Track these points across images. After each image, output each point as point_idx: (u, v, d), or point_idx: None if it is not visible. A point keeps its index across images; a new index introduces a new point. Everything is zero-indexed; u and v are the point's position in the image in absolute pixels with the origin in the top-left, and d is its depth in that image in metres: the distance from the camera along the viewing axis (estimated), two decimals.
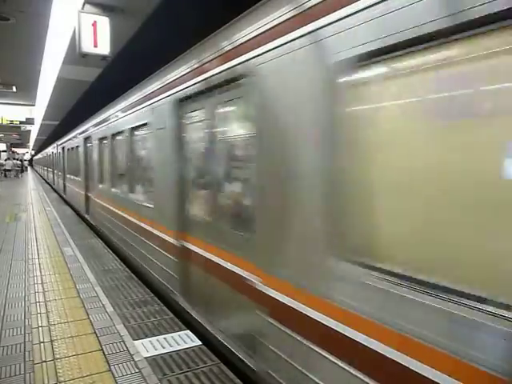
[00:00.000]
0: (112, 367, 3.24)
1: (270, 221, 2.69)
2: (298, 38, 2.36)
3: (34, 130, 32.35)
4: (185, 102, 4.20)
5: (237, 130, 3.40)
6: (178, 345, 3.65)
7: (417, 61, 1.76)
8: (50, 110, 18.18)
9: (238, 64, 3.01)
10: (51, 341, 3.69)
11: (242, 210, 3.33)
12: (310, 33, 2.26)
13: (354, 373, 2.00)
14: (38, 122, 24.44)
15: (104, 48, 6.15)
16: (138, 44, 7.63)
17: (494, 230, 1.51)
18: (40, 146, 51.38)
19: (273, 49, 2.59)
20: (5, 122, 22.89)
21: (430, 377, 1.62)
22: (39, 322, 4.10)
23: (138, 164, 6.22)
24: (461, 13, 1.50)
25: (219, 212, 3.65)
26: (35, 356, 3.42)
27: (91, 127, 9.97)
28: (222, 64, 3.27)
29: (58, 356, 3.41)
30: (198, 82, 3.74)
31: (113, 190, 7.64)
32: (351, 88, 2.09)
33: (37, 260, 6.59)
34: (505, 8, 1.37)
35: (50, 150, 27.05)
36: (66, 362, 3.31)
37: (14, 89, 14.05)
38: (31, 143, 52.23)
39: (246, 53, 2.93)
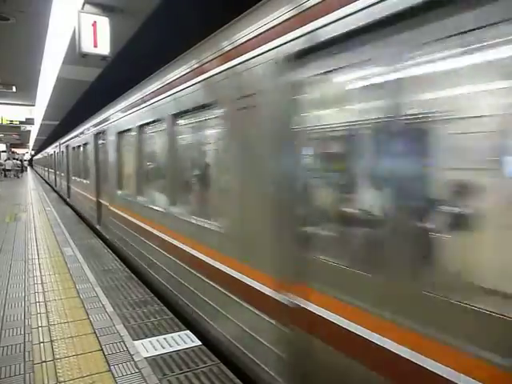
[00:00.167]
0: (112, 367, 3.23)
1: None
2: None
3: (34, 130, 32.34)
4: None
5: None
6: (178, 345, 3.64)
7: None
8: (50, 110, 18.19)
9: None
10: (51, 341, 3.69)
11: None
12: None
13: None
14: (38, 122, 24.44)
15: (104, 48, 6.16)
16: (138, 44, 7.64)
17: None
18: (40, 146, 51.36)
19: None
20: (5, 122, 22.88)
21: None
22: (39, 322, 4.10)
23: (190, 164, 4.55)
24: None
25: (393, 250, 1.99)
26: (35, 356, 3.42)
27: (106, 120, 8.15)
28: None
29: (57, 356, 3.41)
30: None
31: (140, 198, 5.86)
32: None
33: (37, 260, 6.58)
34: None
35: (52, 149, 25.04)
36: (66, 362, 3.31)
37: (14, 89, 14.05)
38: (31, 143, 52.24)
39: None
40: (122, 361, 3.34)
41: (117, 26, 6.29)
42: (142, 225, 5.72)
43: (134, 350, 3.53)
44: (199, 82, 3.77)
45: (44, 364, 3.29)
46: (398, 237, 1.94)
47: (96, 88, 11.98)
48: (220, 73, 3.34)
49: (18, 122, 23.55)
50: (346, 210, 2.37)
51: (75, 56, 6.49)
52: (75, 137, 13.17)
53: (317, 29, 2.25)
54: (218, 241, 3.50)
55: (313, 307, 2.45)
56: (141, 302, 4.75)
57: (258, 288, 2.86)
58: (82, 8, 6.11)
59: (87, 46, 6.04)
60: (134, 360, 3.35)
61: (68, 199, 15.83)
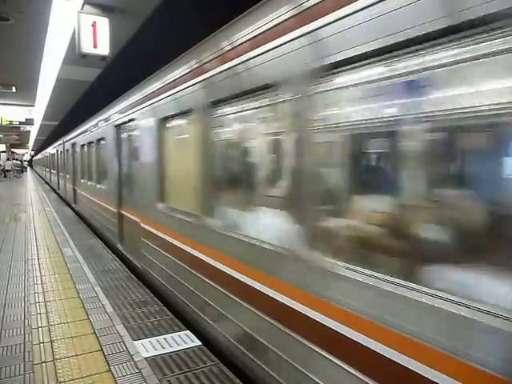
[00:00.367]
0: (112, 367, 3.23)
1: None
2: None
3: (34, 131, 32.36)
4: None
5: None
6: (178, 345, 3.64)
7: None
8: (50, 110, 18.19)
9: None
10: (51, 341, 3.69)
11: None
12: None
13: None
14: (38, 122, 24.47)
15: (103, 48, 6.17)
16: (138, 44, 7.64)
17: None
18: (40, 147, 51.37)
19: None
20: (4, 123, 22.92)
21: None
22: (39, 323, 4.10)
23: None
24: None
25: None
26: (35, 356, 3.42)
27: (137, 104, 5.80)
28: None
29: (57, 356, 3.41)
30: None
31: (213, 222, 3.60)
32: None
33: (36, 260, 6.58)
34: None
35: (54, 148, 22.49)
36: (66, 363, 3.31)
37: (14, 89, 14.08)
38: (31, 144, 52.24)
39: None
40: (122, 361, 3.34)
41: (116, 26, 6.30)
42: (220, 266, 3.45)
43: (134, 350, 3.53)
44: None
45: (44, 364, 3.29)
46: None
47: (96, 88, 11.98)
48: None
49: (17, 123, 23.61)
50: None
51: (75, 56, 6.50)
52: (84, 132, 11.04)
53: None
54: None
55: None
56: (141, 302, 4.75)
57: None
58: (82, 8, 6.11)
59: (87, 47, 6.06)
60: (133, 360, 3.35)
61: (74, 205, 13.56)
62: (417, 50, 1.87)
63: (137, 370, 3.19)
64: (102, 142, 8.58)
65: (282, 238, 2.66)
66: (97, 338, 3.76)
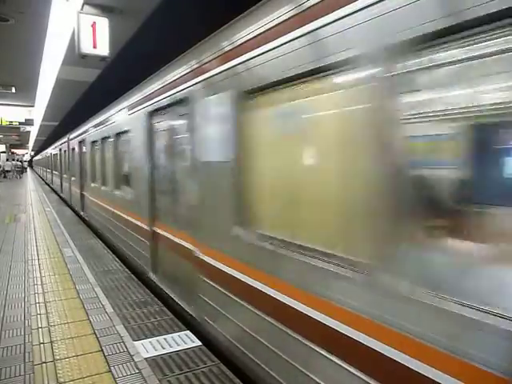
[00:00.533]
0: (112, 368, 3.23)
1: None
2: None
3: (34, 131, 32.35)
4: None
5: None
6: (178, 345, 3.64)
7: None
8: (50, 110, 18.20)
9: None
10: (51, 342, 3.69)
11: None
12: None
13: None
14: (38, 122, 24.46)
15: (103, 49, 6.17)
16: (137, 45, 7.64)
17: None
18: (40, 147, 51.35)
19: None
20: (4, 123, 22.90)
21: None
22: (39, 323, 4.10)
23: None
24: None
25: None
26: (35, 357, 3.41)
27: (197, 73, 3.85)
28: None
29: (57, 357, 3.41)
30: None
31: None
32: None
33: (36, 261, 6.58)
34: None
35: (56, 148, 20.64)
36: (66, 363, 3.31)
37: (14, 90, 14.07)
38: (30, 144, 52.23)
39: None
40: (123, 361, 3.34)
41: (116, 26, 6.30)
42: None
43: (134, 350, 3.53)
44: None
45: (44, 365, 3.28)
46: None
47: (95, 89, 11.99)
48: None
49: (17, 123, 23.58)
50: None
51: (74, 57, 6.50)
52: (97, 126, 8.98)
53: None
54: None
55: None
56: (141, 302, 4.75)
57: None
58: (82, 9, 6.11)
59: (86, 47, 6.05)
60: (134, 360, 3.35)
61: (82, 212, 11.61)
62: None
63: (137, 371, 3.19)
64: (124, 137, 6.70)
65: None
66: (97, 338, 3.76)
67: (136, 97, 5.92)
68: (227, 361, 3.36)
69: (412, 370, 1.80)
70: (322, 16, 2.27)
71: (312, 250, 2.43)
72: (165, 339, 3.77)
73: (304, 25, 2.40)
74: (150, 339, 3.77)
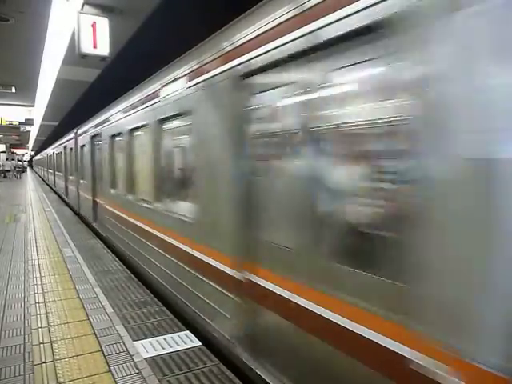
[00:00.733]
0: (112, 368, 3.23)
1: None
2: None
3: (34, 131, 32.35)
4: None
5: None
6: (178, 345, 3.64)
7: None
8: (50, 110, 18.19)
9: None
10: (51, 342, 3.69)
11: None
12: None
13: None
14: (38, 122, 24.46)
15: (103, 49, 6.16)
16: (137, 44, 7.64)
17: None
18: (40, 147, 51.34)
19: None
20: (4, 123, 22.90)
21: None
22: (39, 323, 4.10)
23: None
24: None
25: None
26: (35, 357, 3.41)
27: None
28: None
29: (57, 357, 3.41)
30: None
31: None
32: None
33: (36, 261, 6.58)
34: None
35: (60, 145, 18.49)
36: (66, 363, 3.31)
37: (14, 89, 14.06)
38: (30, 144, 52.24)
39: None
40: (122, 361, 3.34)
41: (116, 26, 6.29)
42: None
43: (134, 350, 3.53)
44: None
45: (44, 365, 3.28)
46: None
47: (95, 89, 11.99)
48: None
49: (17, 123, 23.58)
50: None
51: (75, 57, 6.49)
52: (127, 112, 6.48)
53: None
54: None
55: None
56: (140, 302, 4.75)
57: None
58: (82, 9, 6.11)
59: (86, 47, 6.04)
60: (133, 360, 3.35)
61: (94, 223, 9.68)
62: None
63: (137, 371, 3.19)
64: (179, 123, 4.66)
65: None
66: (97, 338, 3.76)
67: (208, 55, 3.63)
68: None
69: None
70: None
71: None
72: (164, 339, 3.77)
73: None
74: (149, 339, 3.77)
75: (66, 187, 15.87)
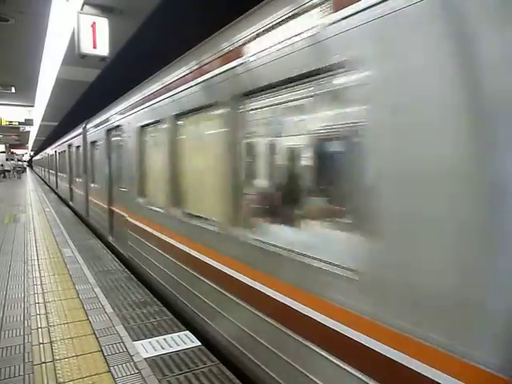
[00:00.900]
0: (112, 368, 3.23)
1: None
2: None
3: (33, 131, 32.35)
4: None
5: None
6: (178, 345, 3.64)
7: None
8: (49, 110, 18.18)
9: None
10: (51, 342, 3.69)
11: None
12: None
13: None
14: (37, 122, 24.44)
15: (103, 49, 6.16)
16: (137, 45, 7.64)
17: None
18: (40, 147, 51.31)
19: None
20: (4, 123, 22.90)
21: None
22: (39, 323, 4.09)
23: None
24: None
25: None
26: (35, 357, 3.41)
27: None
28: None
29: (57, 357, 3.41)
30: None
31: None
32: None
33: (36, 261, 6.57)
34: None
35: (63, 143, 16.69)
36: (66, 363, 3.30)
37: (13, 90, 14.06)
38: (30, 144, 52.24)
39: None
40: (122, 361, 3.34)
41: (116, 26, 6.29)
42: None
43: (134, 350, 3.53)
44: None
45: (44, 365, 3.28)
46: None
47: (95, 88, 11.98)
48: None
49: (17, 123, 23.58)
50: None
51: (74, 57, 6.49)
52: (160, 96, 4.79)
53: None
54: None
55: None
56: (140, 302, 4.75)
57: None
58: (82, 9, 6.11)
59: (86, 47, 6.04)
60: (133, 361, 3.35)
61: (111, 238, 7.95)
62: None
63: (137, 371, 3.19)
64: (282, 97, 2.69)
65: None
66: (96, 338, 3.76)
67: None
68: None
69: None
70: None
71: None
72: (164, 339, 3.77)
73: None
74: (149, 339, 3.77)
75: (71, 190, 14.04)
